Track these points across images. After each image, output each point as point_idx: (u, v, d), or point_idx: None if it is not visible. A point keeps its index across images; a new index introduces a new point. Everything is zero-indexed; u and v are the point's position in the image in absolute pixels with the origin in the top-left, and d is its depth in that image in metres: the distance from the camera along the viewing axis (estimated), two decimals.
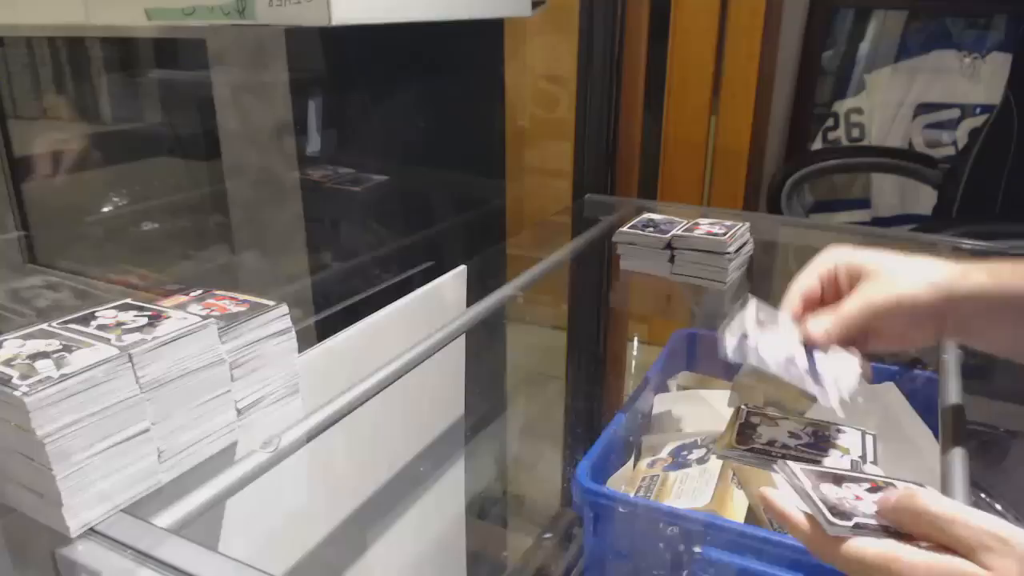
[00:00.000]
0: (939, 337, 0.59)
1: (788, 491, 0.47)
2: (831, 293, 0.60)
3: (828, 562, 0.44)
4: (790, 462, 0.49)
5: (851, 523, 0.43)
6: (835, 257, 0.59)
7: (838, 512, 0.44)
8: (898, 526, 0.43)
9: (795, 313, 0.59)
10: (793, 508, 0.46)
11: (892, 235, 1.44)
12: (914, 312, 0.54)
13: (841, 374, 0.56)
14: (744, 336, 0.58)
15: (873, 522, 0.43)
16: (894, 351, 0.62)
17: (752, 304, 0.60)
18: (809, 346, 0.57)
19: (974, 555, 0.40)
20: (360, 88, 1.12)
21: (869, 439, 0.62)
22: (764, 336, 0.57)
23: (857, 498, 0.46)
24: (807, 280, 0.60)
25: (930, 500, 0.42)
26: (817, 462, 0.58)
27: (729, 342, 0.57)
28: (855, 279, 0.57)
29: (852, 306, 0.56)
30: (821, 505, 0.44)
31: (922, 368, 0.95)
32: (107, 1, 0.84)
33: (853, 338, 0.57)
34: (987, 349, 0.58)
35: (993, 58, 2.13)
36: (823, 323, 0.57)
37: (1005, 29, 2.12)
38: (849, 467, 0.58)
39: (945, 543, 0.41)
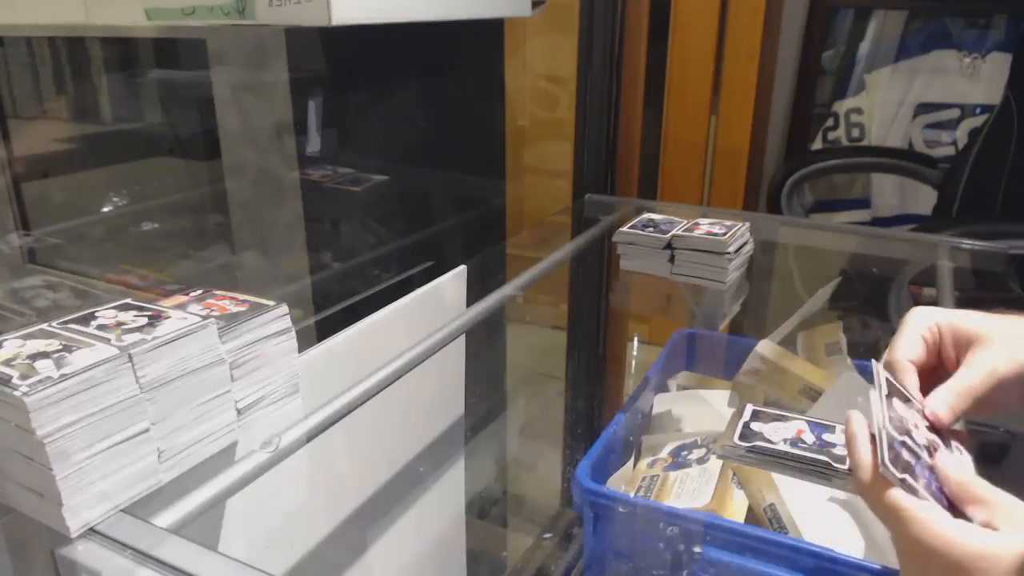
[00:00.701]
0: None
1: (873, 415, 0.48)
2: (933, 360, 0.55)
3: (868, 501, 0.46)
4: (881, 368, 0.50)
5: (901, 476, 0.44)
6: (935, 318, 0.54)
7: (897, 461, 0.45)
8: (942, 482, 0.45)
9: (917, 382, 0.54)
10: (866, 438, 0.47)
11: (892, 235, 1.44)
12: None
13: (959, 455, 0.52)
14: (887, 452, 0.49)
15: (919, 486, 0.45)
16: (987, 416, 0.58)
17: (882, 379, 0.52)
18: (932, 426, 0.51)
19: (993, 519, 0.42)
20: (360, 88, 1.12)
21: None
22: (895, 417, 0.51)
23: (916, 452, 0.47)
24: (913, 347, 0.54)
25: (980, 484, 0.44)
26: (819, 461, 0.58)
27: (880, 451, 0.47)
28: (964, 346, 0.53)
29: (974, 377, 0.51)
30: (886, 447, 0.45)
31: None
32: (107, 1, 0.84)
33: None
34: None
35: (993, 58, 2.13)
36: (943, 398, 0.51)
37: (1005, 29, 2.12)
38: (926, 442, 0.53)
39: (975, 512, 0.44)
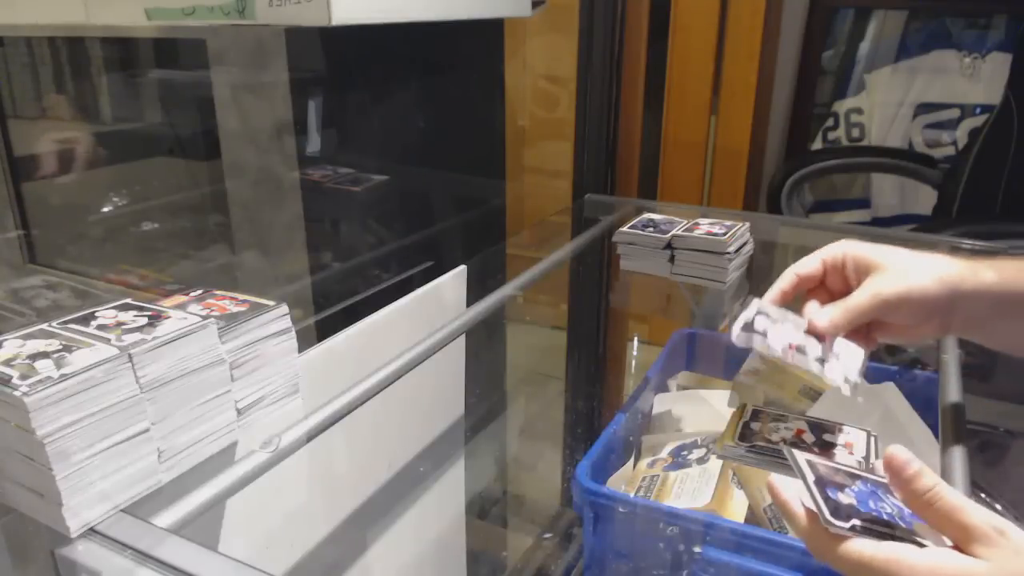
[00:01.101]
0: (944, 332, 0.60)
1: (795, 482, 0.47)
2: (837, 283, 0.60)
3: (826, 561, 0.43)
4: (797, 452, 0.49)
5: (848, 524, 0.42)
6: (844, 247, 0.60)
7: (839, 511, 0.43)
8: (907, 503, 0.43)
9: (790, 287, 0.60)
10: (796, 500, 0.46)
11: (892, 235, 1.44)
12: (923, 306, 0.55)
13: (847, 360, 0.56)
14: (751, 324, 0.58)
15: (872, 525, 0.43)
16: (899, 343, 0.62)
17: (756, 301, 0.61)
18: (815, 336, 0.57)
19: (973, 544, 0.40)
20: (360, 88, 1.12)
21: (871, 439, 0.62)
22: (771, 325, 0.58)
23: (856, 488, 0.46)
24: (809, 262, 0.60)
25: (942, 486, 0.42)
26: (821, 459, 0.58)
27: (735, 329, 0.58)
28: (863, 272, 0.58)
29: (861, 298, 0.56)
30: (821, 502, 0.44)
31: (922, 368, 0.95)
32: (107, 1, 0.84)
33: (859, 330, 0.58)
34: (991, 345, 0.59)
35: (993, 58, 2.13)
36: (829, 313, 0.57)
37: (1005, 29, 2.12)
38: (857, 465, 0.58)
39: (945, 529, 0.42)
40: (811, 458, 0.48)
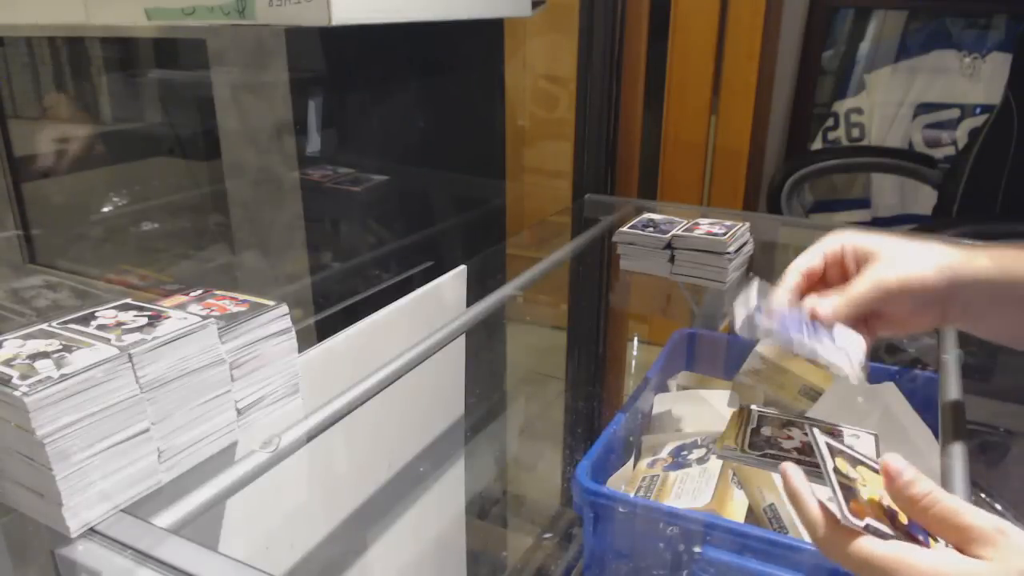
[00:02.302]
0: (943, 322, 0.59)
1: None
2: (836, 274, 0.60)
3: (831, 556, 0.44)
4: (818, 432, 0.48)
5: (863, 523, 0.42)
6: (842, 239, 0.59)
7: (853, 503, 0.43)
8: (904, 511, 0.43)
9: (796, 287, 0.60)
10: (809, 491, 0.46)
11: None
12: (922, 295, 0.55)
13: (849, 347, 0.56)
14: (754, 311, 0.58)
15: (883, 526, 0.43)
16: (897, 335, 0.62)
17: (756, 282, 0.61)
18: (816, 323, 0.57)
19: (974, 545, 0.40)
20: (360, 88, 1.12)
21: (871, 439, 0.62)
22: (773, 314, 0.58)
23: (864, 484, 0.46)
24: (811, 258, 0.60)
25: (938, 491, 0.42)
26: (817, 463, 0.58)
27: (739, 316, 0.57)
28: (863, 261, 0.58)
29: (861, 287, 0.56)
30: (840, 496, 0.43)
31: (922, 368, 0.95)
32: (107, 1, 0.84)
33: (859, 320, 0.58)
34: (988, 336, 0.59)
35: (993, 58, 2.13)
36: (831, 301, 0.57)
37: (1005, 29, 2.12)
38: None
39: (945, 532, 0.42)
40: (830, 441, 0.48)
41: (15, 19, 0.96)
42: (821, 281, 0.61)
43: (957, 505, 0.42)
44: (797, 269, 0.60)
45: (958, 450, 0.60)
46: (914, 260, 0.55)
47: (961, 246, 0.56)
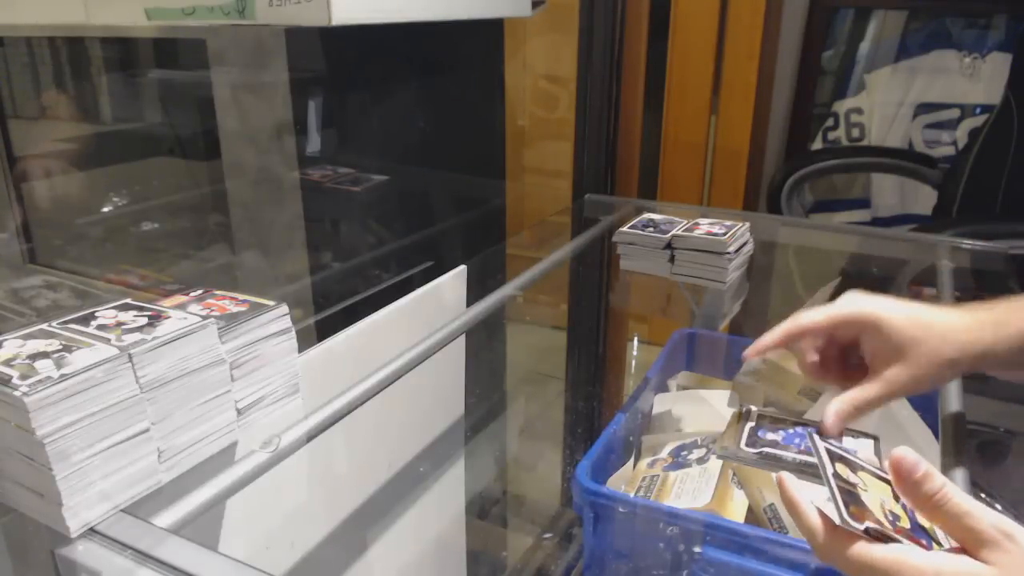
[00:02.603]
0: None
1: (803, 482, 0.47)
2: (845, 337, 0.60)
3: (831, 562, 0.43)
4: (817, 436, 0.48)
5: (863, 526, 0.42)
6: (862, 311, 0.58)
7: (852, 507, 0.43)
8: (914, 507, 0.43)
9: (808, 364, 0.60)
10: (806, 499, 0.46)
11: (892, 235, 1.44)
12: (934, 386, 0.57)
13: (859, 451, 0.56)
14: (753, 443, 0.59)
15: (880, 527, 0.43)
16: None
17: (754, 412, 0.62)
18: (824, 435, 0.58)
19: (980, 548, 0.40)
20: (360, 88, 1.12)
21: (869, 443, 0.62)
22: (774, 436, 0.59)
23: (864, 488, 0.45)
24: (820, 322, 0.60)
25: (950, 488, 0.42)
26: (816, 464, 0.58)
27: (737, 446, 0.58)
28: (879, 354, 0.57)
29: (872, 392, 0.57)
30: (840, 500, 0.43)
31: None
32: (107, 1, 0.84)
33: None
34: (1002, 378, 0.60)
35: (993, 58, 2.13)
36: (835, 408, 0.57)
37: (1005, 29, 2.12)
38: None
39: (953, 532, 0.42)
40: (829, 445, 0.48)
41: (15, 19, 0.96)
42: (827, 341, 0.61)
43: (968, 506, 0.42)
44: (799, 325, 0.60)
45: (958, 450, 0.60)
46: (926, 359, 0.55)
47: (995, 315, 0.56)
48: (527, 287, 0.95)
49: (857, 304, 0.59)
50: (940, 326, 0.56)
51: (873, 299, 0.59)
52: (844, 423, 0.57)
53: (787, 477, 0.47)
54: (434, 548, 1.04)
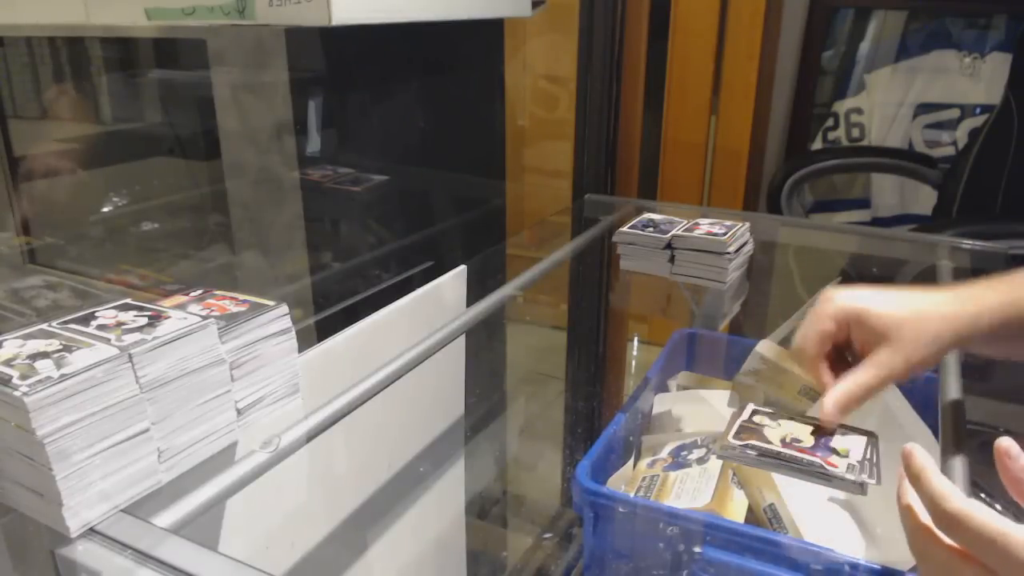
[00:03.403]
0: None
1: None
2: (836, 341, 0.61)
3: (945, 528, 0.43)
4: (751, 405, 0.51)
5: (743, 443, 0.46)
6: (842, 307, 0.59)
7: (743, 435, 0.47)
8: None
9: (817, 358, 0.61)
10: (935, 465, 0.46)
11: (892, 235, 1.44)
12: (928, 367, 0.57)
13: (853, 451, 0.58)
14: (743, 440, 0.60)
15: (765, 446, 0.47)
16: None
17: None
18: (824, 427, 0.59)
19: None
20: (360, 88, 1.12)
21: (862, 439, 0.62)
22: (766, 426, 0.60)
23: None
24: (820, 340, 0.60)
25: (985, 515, 0.42)
26: (815, 464, 0.58)
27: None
28: (868, 341, 0.58)
29: (869, 377, 0.57)
30: (732, 430, 0.47)
31: None
32: (107, 1, 0.84)
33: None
34: (993, 356, 0.60)
35: (993, 58, 2.13)
36: (834, 398, 0.58)
37: (1005, 29, 2.12)
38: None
39: (985, 560, 0.42)
40: (760, 409, 0.51)
41: (15, 19, 0.96)
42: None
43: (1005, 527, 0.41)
44: (815, 364, 0.60)
45: (958, 450, 0.60)
46: (917, 343, 0.56)
47: (972, 291, 0.57)
48: (527, 287, 0.95)
49: (838, 301, 0.60)
50: (921, 303, 0.57)
51: (852, 292, 0.60)
52: (842, 413, 0.57)
53: (916, 448, 0.47)
54: (434, 548, 1.04)
